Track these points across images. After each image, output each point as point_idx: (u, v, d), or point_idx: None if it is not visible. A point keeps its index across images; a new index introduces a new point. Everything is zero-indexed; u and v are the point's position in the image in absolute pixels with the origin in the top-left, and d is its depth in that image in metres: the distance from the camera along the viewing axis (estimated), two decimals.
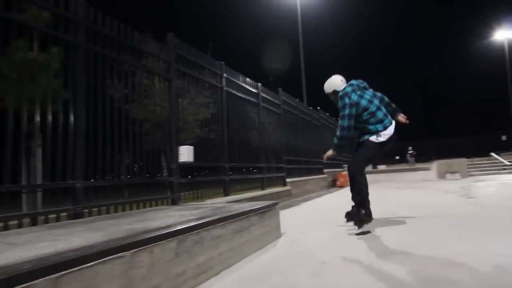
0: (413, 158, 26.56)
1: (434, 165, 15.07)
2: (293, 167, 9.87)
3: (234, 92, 6.84)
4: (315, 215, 5.89)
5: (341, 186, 13.65)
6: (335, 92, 3.95)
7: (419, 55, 59.29)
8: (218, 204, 4.37)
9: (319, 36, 44.83)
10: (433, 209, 5.69)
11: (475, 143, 30.76)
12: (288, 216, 5.78)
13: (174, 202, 4.79)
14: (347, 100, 3.73)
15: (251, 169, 7.60)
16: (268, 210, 3.58)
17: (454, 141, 35.44)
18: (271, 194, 7.93)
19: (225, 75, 6.52)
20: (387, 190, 10.93)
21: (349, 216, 3.91)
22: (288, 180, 9.19)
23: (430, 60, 57.70)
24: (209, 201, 5.36)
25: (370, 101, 3.80)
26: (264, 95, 8.25)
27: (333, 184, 13.94)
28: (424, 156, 29.87)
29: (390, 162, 33.20)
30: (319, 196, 10.02)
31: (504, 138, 23.46)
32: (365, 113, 3.76)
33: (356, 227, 3.74)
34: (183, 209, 3.67)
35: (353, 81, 3.96)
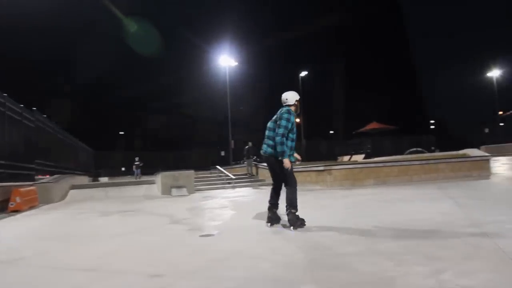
0: (139, 170, 23.89)
1: (159, 178, 12.45)
2: None
3: None
4: None
5: (17, 210, 8.42)
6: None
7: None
8: None
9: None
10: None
11: (199, 156, 32.08)
12: None
13: None
14: (292, 118, 4.33)
15: None
16: None
17: (181, 154, 36.04)
18: None
19: None
20: (80, 221, 6.99)
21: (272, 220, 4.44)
22: None
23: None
24: None
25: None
26: None
27: (3, 207, 8.47)
28: (151, 169, 28.06)
29: (115, 173, 29.32)
30: None
31: (223, 153, 25.54)
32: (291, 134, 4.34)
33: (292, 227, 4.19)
34: None
35: None
